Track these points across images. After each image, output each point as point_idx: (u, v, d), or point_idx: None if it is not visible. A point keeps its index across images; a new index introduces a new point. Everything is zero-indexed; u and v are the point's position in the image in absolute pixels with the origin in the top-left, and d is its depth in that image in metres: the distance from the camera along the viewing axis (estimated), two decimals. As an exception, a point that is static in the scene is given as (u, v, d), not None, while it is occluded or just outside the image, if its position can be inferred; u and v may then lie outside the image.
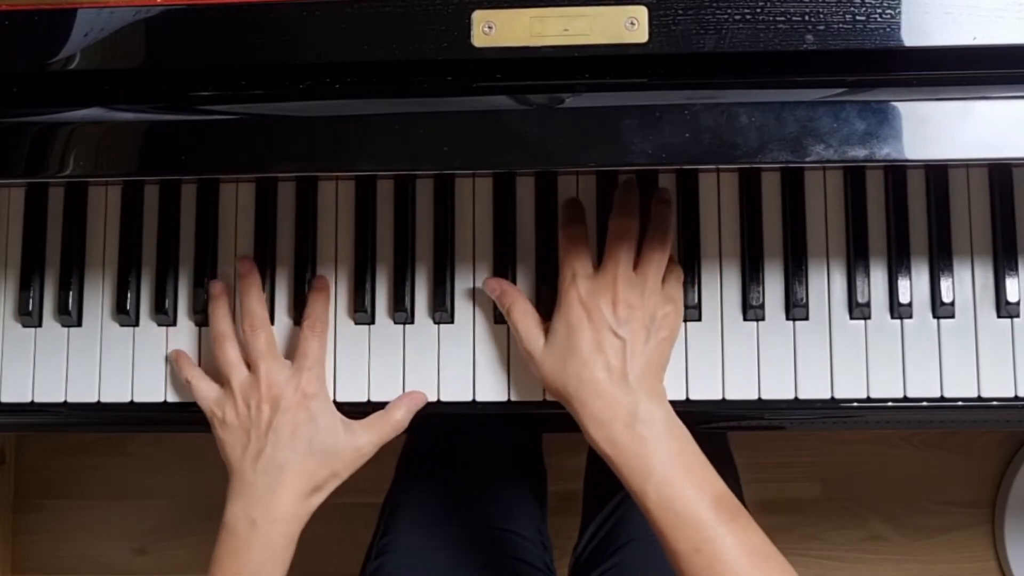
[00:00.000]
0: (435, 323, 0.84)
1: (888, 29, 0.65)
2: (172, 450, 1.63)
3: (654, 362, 0.76)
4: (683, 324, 0.82)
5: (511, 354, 0.83)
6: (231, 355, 0.81)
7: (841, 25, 0.65)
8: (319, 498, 0.79)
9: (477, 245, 0.84)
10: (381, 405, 0.82)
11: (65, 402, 0.86)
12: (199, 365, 0.84)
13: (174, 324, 0.86)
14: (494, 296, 0.81)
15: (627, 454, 0.73)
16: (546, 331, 0.78)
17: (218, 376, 0.82)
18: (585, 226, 0.81)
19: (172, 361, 0.84)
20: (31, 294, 0.86)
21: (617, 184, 0.82)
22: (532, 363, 0.78)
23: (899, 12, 0.65)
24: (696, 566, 0.70)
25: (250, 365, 0.80)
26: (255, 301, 0.82)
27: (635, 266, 0.78)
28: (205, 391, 0.81)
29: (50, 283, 0.87)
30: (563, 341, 0.76)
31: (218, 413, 0.79)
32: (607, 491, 1.03)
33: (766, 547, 0.72)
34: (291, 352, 0.82)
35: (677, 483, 0.72)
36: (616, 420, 0.73)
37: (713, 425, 0.93)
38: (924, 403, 0.80)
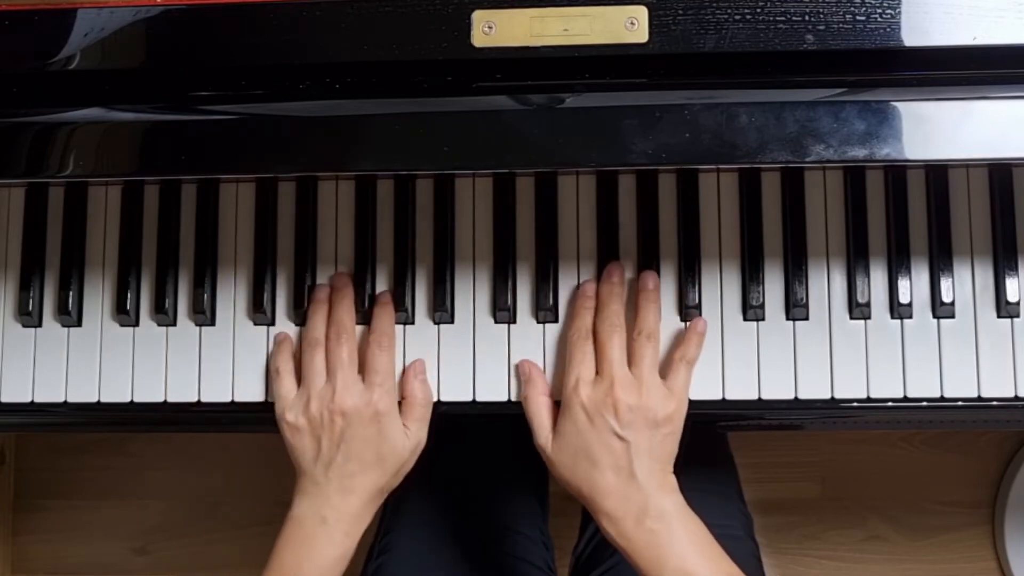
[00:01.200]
0: (435, 323, 0.84)
1: (888, 29, 0.65)
2: (172, 450, 1.63)
3: (661, 458, 0.77)
4: (684, 324, 0.82)
5: (511, 354, 0.83)
6: (317, 363, 0.81)
7: (841, 25, 0.65)
8: (382, 498, 0.82)
9: (477, 245, 0.84)
10: (381, 405, 0.82)
11: (65, 402, 0.86)
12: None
13: (174, 324, 0.86)
14: (522, 379, 0.82)
15: (640, 548, 0.75)
16: (555, 424, 0.79)
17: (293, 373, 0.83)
18: (590, 329, 0.80)
19: (279, 342, 0.84)
20: (31, 294, 0.86)
21: (604, 271, 0.82)
22: (544, 458, 0.80)
23: (899, 12, 0.65)
24: None
25: (328, 372, 0.81)
26: (346, 313, 0.82)
27: (630, 362, 0.79)
28: (287, 389, 0.82)
29: (50, 283, 0.87)
30: (572, 444, 0.77)
31: (289, 417, 0.80)
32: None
33: None
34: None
35: (689, 572, 0.73)
36: (627, 517, 0.75)
37: (713, 425, 0.93)
38: (924, 403, 0.80)
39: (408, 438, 0.81)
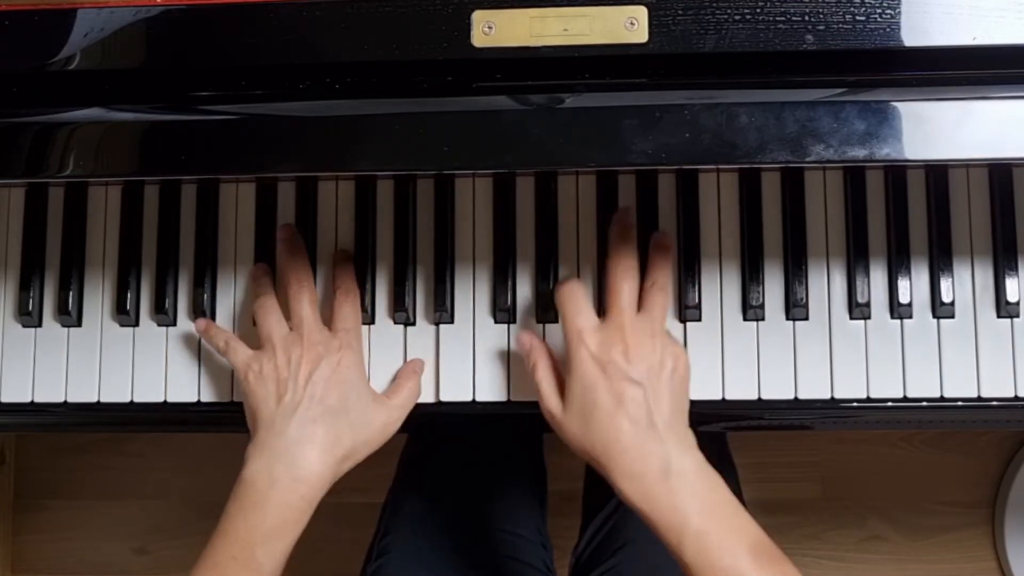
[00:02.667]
0: (435, 323, 0.84)
1: (888, 29, 0.65)
2: (172, 450, 1.63)
3: (677, 403, 0.74)
4: (683, 324, 0.82)
5: (511, 354, 0.83)
6: (273, 314, 0.81)
7: (841, 25, 0.65)
8: (347, 465, 0.78)
9: (477, 245, 0.84)
10: (381, 405, 0.82)
11: (65, 402, 0.86)
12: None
13: (174, 324, 0.86)
14: (523, 351, 0.80)
15: (662, 508, 0.70)
16: (563, 391, 0.76)
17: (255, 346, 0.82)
18: (579, 282, 0.79)
19: (201, 332, 0.84)
20: (31, 294, 0.86)
21: (613, 218, 0.81)
22: (554, 425, 0.76)
23: (899, 12, 0.65)
24: None
25: (292, 324, 0.80)
26: (300, 262, 0.82)
27: (640, 309, 0.77)
28: (242, 351, 0.81)
29: (50, 283, 0.87)
30: (581, 401, 0.73)
31: (255, 367, 0.78)
32: (607, 491, 1.03)
33: None
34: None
35: (714, 534, 0.69)
36: (648, 473, 0.71)
37: (713, 425, 0.93)
38: (924, 403, 0.80)
39: (380, 405, 0.79)
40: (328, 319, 0.82)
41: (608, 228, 0.81)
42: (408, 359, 0.83)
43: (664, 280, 0.78)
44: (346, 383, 0.78)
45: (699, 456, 0.73)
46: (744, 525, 0.71)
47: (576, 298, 0.76)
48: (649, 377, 0.73)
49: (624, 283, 0.76)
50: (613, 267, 0.77)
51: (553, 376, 0.77)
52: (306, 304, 0.80)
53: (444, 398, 0.83)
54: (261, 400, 0.77)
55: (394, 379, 0.83)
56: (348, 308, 0.81)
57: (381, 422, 0.79)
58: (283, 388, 0.77)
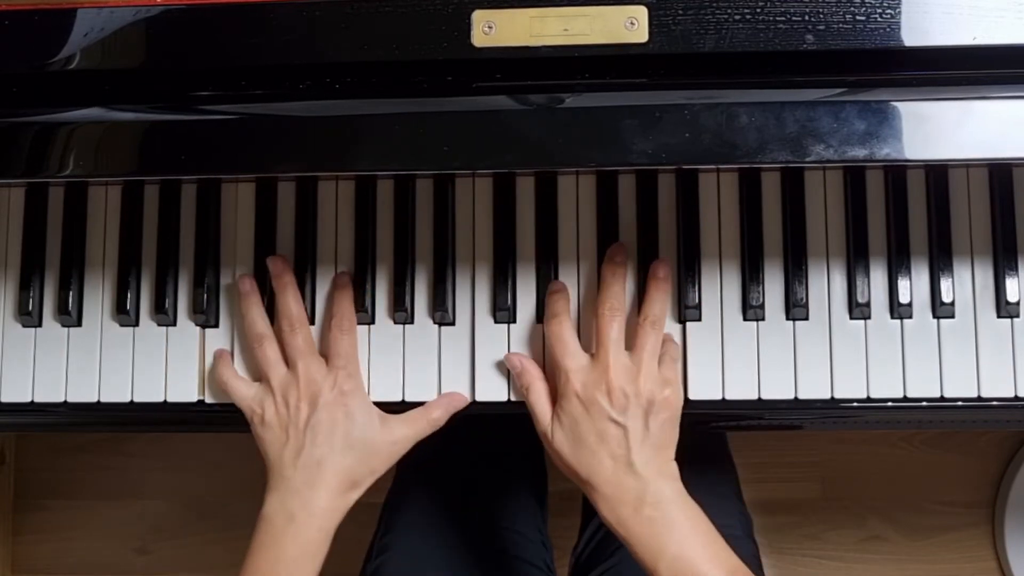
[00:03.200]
0: (435, 323, 0.84)
1: (888, 29, 0.65)
2: (172, 450, 1.63)
3: (659, 441, 0.76)
4: (683, 324, 0.82)
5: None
6: (270, 354, 0.81)
7: (841, 25, 0.65)
8: (356, 494, 0.80)
9: (477, 245, 0.84)
10: (381, 404, 0.82)
11: (65, 402, 0.86)
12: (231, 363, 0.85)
13: (174, 324, 0.86)
14: (514, 372, 0.81)
15: (638, 536, 0.74)
16: (554, 412, 0.78)
17: (254, 373, 0.83)
18: (568, 316, 0.80)
19: (215, 358, 0.84)
20: (31, 294, 0.86)
21: (606, 253, 0.81)
22: (546, 445, 0.79)
23: (899, 12, 0.65)
24: None
25: (288, 363, 0.81)
26: (291, 300, 0.82)
27: (631, 347, 0.78)
28: (243, 391, 0.82)
29: (50, 283, 0.87)
30: (569, 433, 0.77)
31: (258, 411, 0.80)
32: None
33: None
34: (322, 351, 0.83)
35: (689, 559, 0.72)
36: (625, 505, 0.74)
37: (713, 425, 0.93)
38: (924, 403, 0.80)
39: (384, 427, 0.80)
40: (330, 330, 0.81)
41: (602, 262, 0.81)
42: (408, 359, 0.83)
43: (658, 315, 0.79)
44: (347, 420, 0.79)
45: (678, 487, 0.76)
46: (721, 553, 0.74)
47: (564, 339, 0.78)
48: (630, 418, 0.75)
49: (612, 323, 0.78)
50: (601, 305, 0.78)
51: (546, 398, 0.79)
52: (300, 347, 0.81)
53: (444, 398, 0.83)
54: (268, 444, 0.80)
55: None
56: (345, 342, 0.81)
57: (386, 451, 0.80)
58: (285, 434, 0.79)
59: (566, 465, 0.77)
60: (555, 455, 0.78)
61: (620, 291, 0.79)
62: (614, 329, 0.77)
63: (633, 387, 0.76)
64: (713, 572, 0.72)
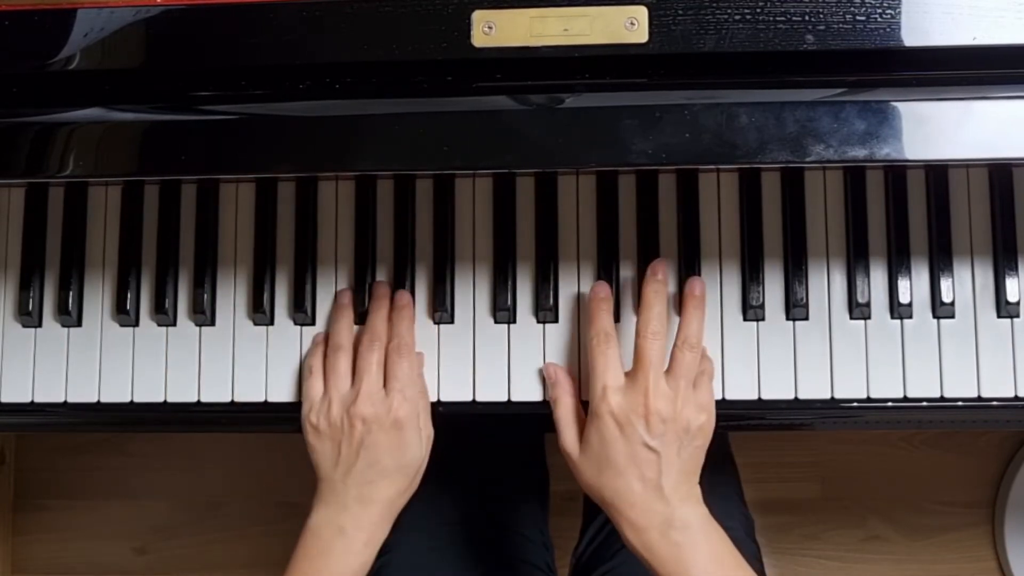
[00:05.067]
0: (436, 323, 0.84)
1: (888, 29, 0.65)
2: (172, 450, 1.63)
3: (689, 467, 0.76)
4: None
5: (511, 354, 0.83)
6: (342, 366, 0.81)
7: (841, 25, 0.65)
8: (402, 503, 0.81)
9: (477, 245, 0.84)
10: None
11: (65, 402, 0.86)
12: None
13: (174, 324, 0.86)
14: (549, 383, 0.81)
15: (663, 560, 0.73)
16: (582, 433, 0.78)
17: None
18: (615, 340, 0.78)
19: (314, 343, 0.84)
20: (31, 294, 0.86)
21: (647, 269, 0.80)
22: (570, 463, 0.79)
23: (899, 12, 0.65)
24: None
25: (355, 377, 0.81)
26: (381, 321, 0.82)
27: (667, 369, 0.77)
28: (316, 390, 0.81)
29: (50, 283, 0.87)
30: (598, 452, 0.76)
31: (312, 419, 0.80)
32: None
33: None
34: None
35: None
36: (652, 528, 0.74)
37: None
38: (924, 403, 0.80)
39: (423, 441, 0.81)
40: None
41: (642, 283, 0.80)
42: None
43: (695, 336, 0.78)
44: (400, 446, 0.79)
45: (703, 512, 0.76)
46: None
47: (608, 356, 0.77)
48: (665, 444, 0.75)
49: (653, 343, 0.76)
50: (643, 327, 0.77)
51: (574, 416, 0.79)
52: (372, 365, 0.80)
53: (444, 398, 0.83)
54: (320, 456, 0.80)
55: None
56: (403, 365, 0.80)
57: (427, 450, 0.81)
58: (337, 449, 0.79)
59: (589, 485, 0.77)
60: (579, 473, 0.78)
61: (663, 312, 0.78)
62: (655, 353, 0.76)
63: (671, 411, 0.75)
64: None
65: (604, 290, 0.80)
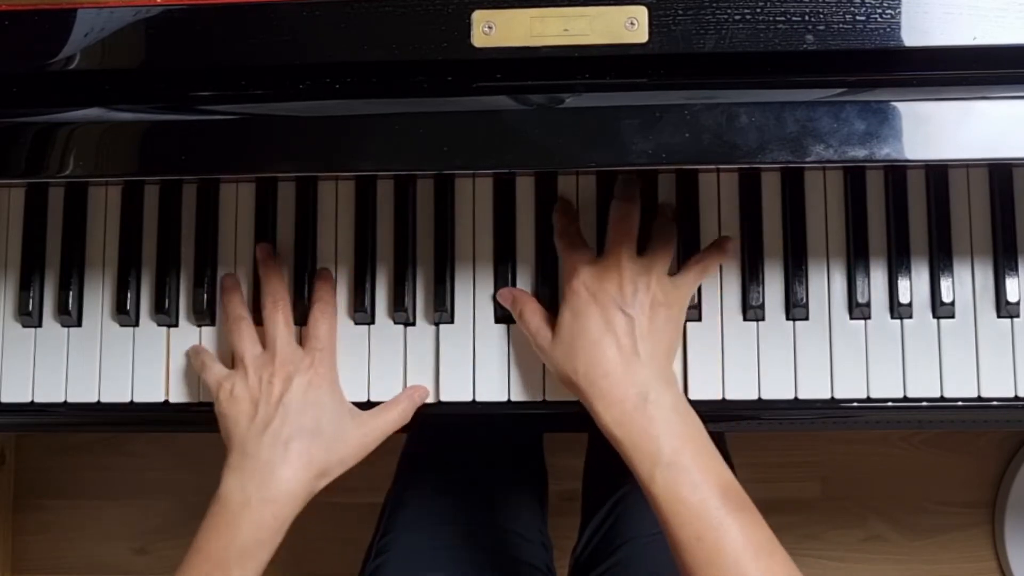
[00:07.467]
0: (435, 323, 0.84)
1: (888, 29, 0.65)
2: (172, 450, 1.63)
3: (664, 341, 0.75)
4: (683, 324, 0.82)
5: (511, 354, 0.83)
6: (246, 334, 0.80)
7: (841, 25, 0.65)
8: (321, 483, 0.78)
9: (477, 245, 0.84)
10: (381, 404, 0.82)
11: (65, 402, 0.86)
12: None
13: (174, 324, 0.86)
14: (507, 304, 0.81)
15: (636, 435, 0.71)
16: (553, 326, 0.78)
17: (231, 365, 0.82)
18: (579, 225, 0.81)
19: (190, 354, 0.84)
20: (31, 294, 0.86)
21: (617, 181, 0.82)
22: (544, 357, 0.78)
23: (899, 12, 0.65)
24: (697, 556, 0.69)
25: (265, 344, 0.80)
26: (276, 280, 0.82)
27: (642, 250, 0.78)
28: (217, 370, 0.81)
29: (50, 283, 0.87)
30: (570, 328, 0.75)
31: (226, 386, 0.79)
32: (606, 491, 1.03)
33: (771, 543, 0.71)
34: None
35: (684, 467, 0.70)
36: (626, 399, 0.72)
37: (713, 425, 0.93)
38: (924, 403, 0.80)
39: (355, 417, 0.79)
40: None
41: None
42: (409, 359, 0.83)
43: (667, 233, 0.79)
44: (319, 403, 0.78)
45: (678, 393, 0.74)
46: (717, 466, 0.72)
47: (575, 241, 0.79)
48: (639, 310, 0.74)
49: (623, 222, 0.78)
50: (614, 211, 0.79)
51: (540, 315, 0.79)
52: (280, 324, 0.80)
53: (444, 398, 0.83)
54: (233, 420, 0.78)
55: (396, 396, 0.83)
56: (324, 325, 0.80)
57: (356, 441, 0.79)
58: (254, 408, 0.77)
59: (562, 366, 0.75)
60: (552, 360, 0.77)
61: (636, 205, 0.79)
62: (626, 231, 0.77)
63: (645, 281, 0.75)
64: (707, 484, 0.70)
65: (568, 208, 0.82)
